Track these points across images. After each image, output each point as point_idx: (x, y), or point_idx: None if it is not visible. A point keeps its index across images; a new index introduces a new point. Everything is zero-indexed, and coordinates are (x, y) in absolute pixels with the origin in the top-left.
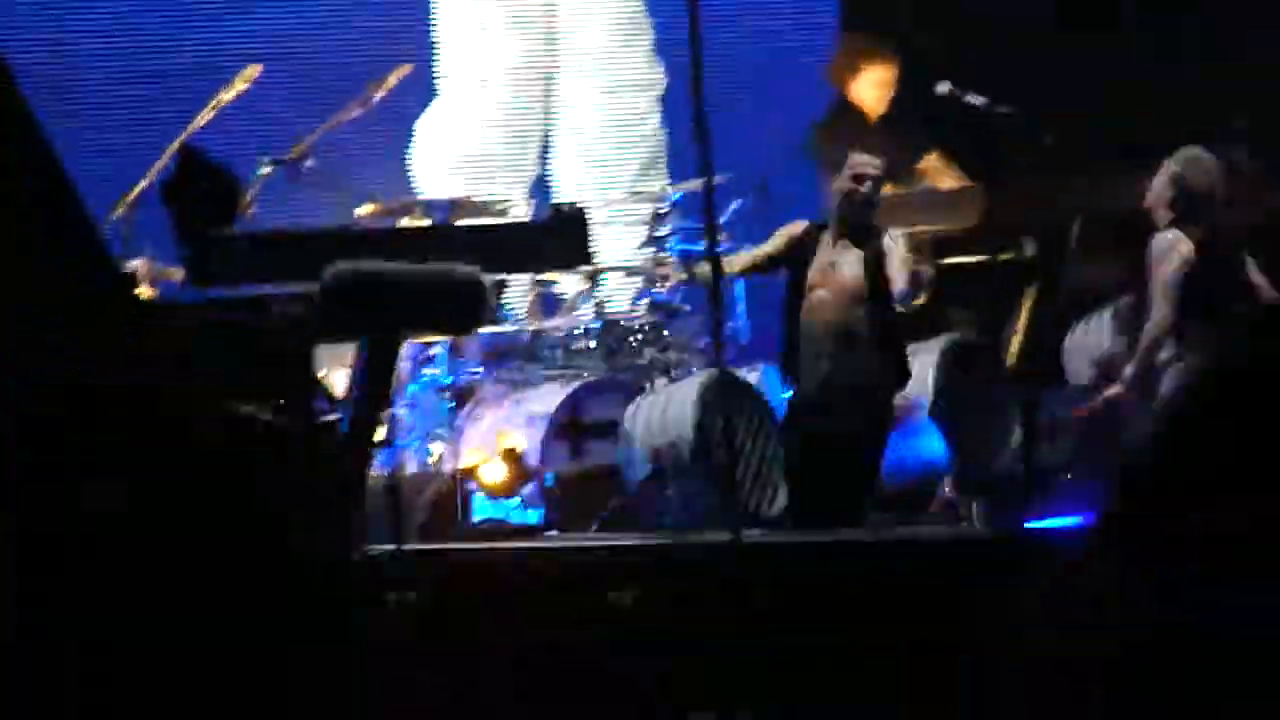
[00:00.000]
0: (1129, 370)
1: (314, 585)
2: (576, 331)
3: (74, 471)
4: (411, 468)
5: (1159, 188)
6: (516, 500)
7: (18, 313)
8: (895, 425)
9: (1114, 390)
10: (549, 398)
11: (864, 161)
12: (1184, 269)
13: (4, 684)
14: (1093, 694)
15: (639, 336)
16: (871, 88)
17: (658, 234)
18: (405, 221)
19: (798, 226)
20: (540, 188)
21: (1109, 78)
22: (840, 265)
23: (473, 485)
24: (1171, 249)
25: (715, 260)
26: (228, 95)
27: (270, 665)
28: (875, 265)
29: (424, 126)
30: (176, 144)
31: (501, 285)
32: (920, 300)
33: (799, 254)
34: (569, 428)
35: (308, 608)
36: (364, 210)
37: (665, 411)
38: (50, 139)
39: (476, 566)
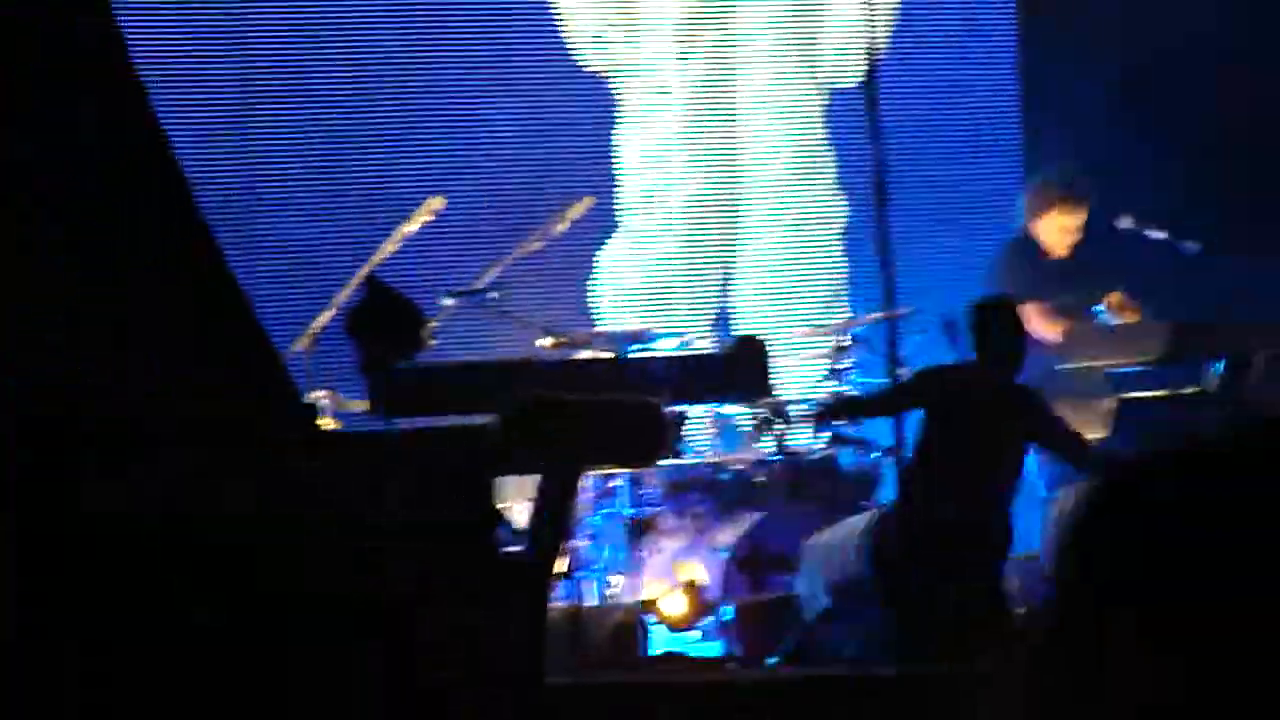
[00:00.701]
0: None
1: (497, 715)
2: (757, 465)
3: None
4: (592, 599)
5: None
6: (697, 633)
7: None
8: None
9: None
10: (729, 530)
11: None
12: None
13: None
14: None
15: (819, 469)
16: (1056, 231)
17: (839, 367)
18: (587, 354)
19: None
20: (722, 320)
21: None
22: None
23: (652, 617)
24: None
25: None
26: (411, 227)
27: None
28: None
29: (606, 259)
30: (360, 276)
31: (683, 417)
32: None
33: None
34: (749, 561)
35: None
36: (546, 342)
37: (844, 545)
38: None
39: (655, 699)
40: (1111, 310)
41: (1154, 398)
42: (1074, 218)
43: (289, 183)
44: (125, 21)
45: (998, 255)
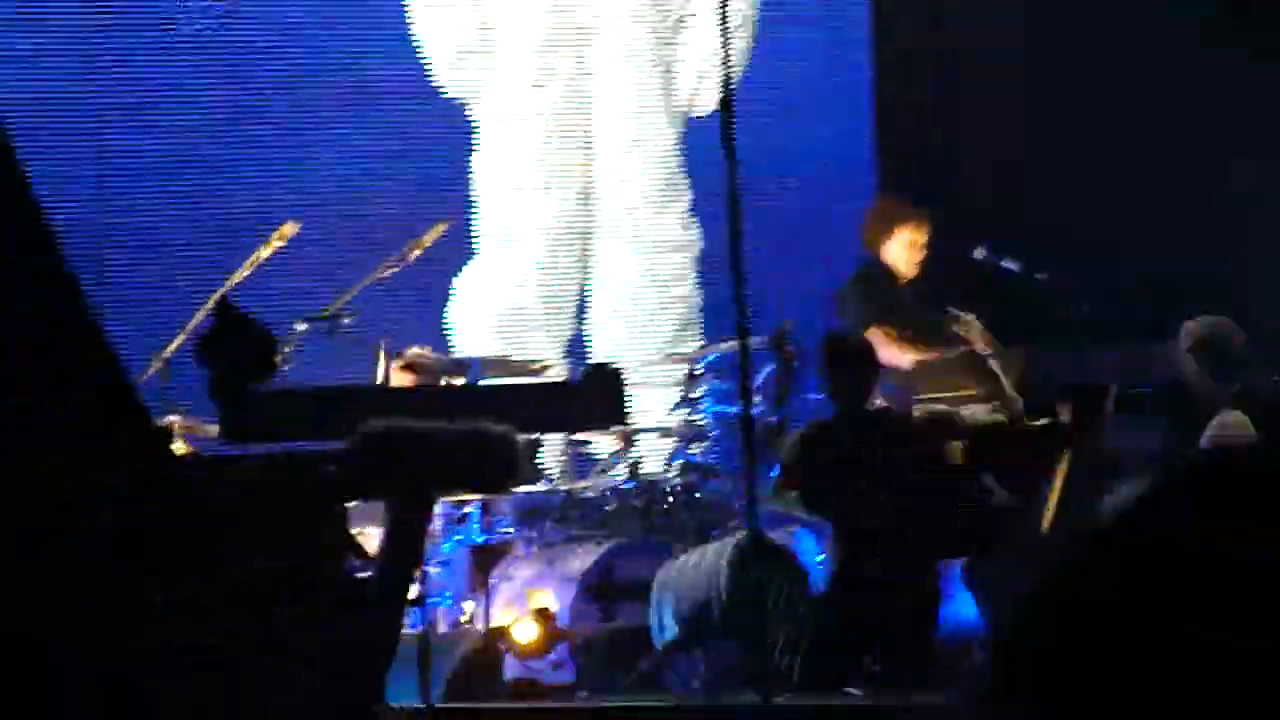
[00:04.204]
0: None
1: None
2: (610, 492)
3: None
4: (443, 626)
5: (1183, 355)
6: (548, 660)
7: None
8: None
9: None
10: (581, 558)
11: None
12: None
13: None
14: None
15: (672, 498)
16: (903, 249)
17: (692, 395)
18: (441, 380)
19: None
20: (576, 347)
21: (1146, 248)
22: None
23: (504, 645)
24: (1237, 431)
25: (749, 424)
26: (265, 252)
27: None
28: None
29: (461, 284)
30: (214, 300)
31: (536, 444)
32: None
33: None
34: (600, 589)
35: None
36: (400, 368)
37: (696, 574)
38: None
39: None
40: (962, 338)
41: (1004, 429)
42: (919, 234)
43: (143, 207)
44: None
45: (847, 281)
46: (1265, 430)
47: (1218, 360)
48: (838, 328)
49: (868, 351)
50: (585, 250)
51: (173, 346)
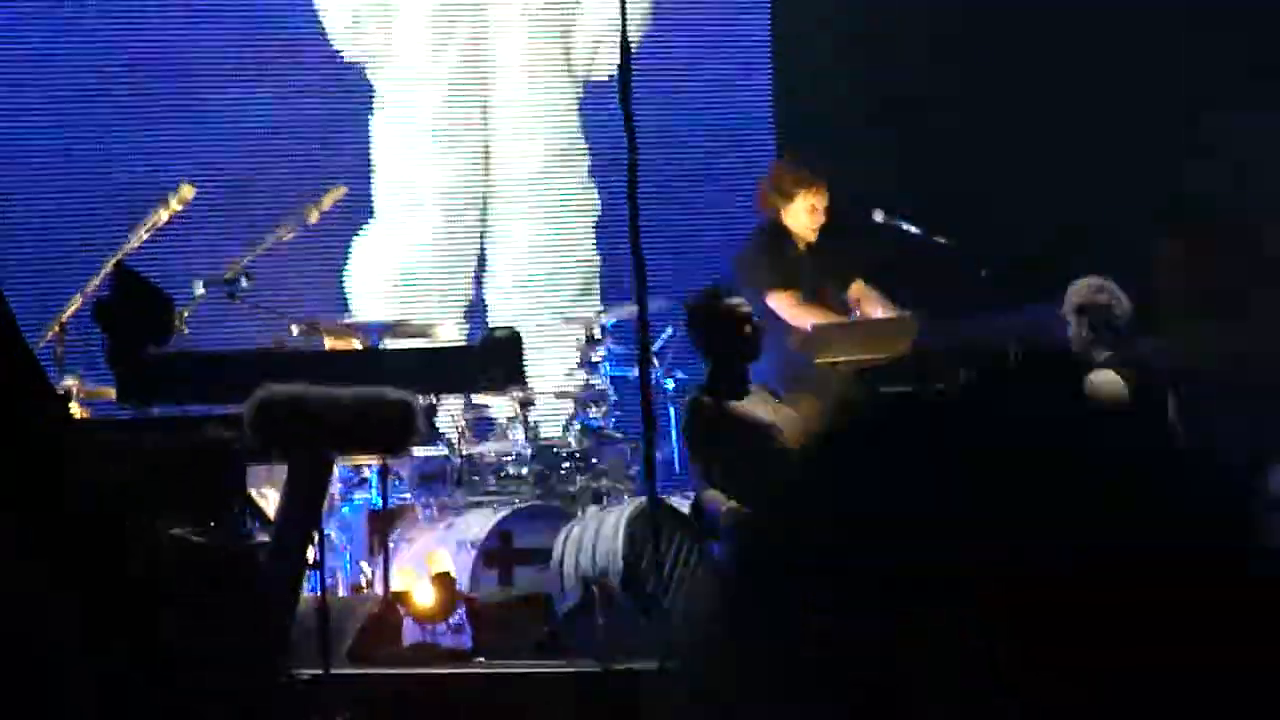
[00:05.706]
0: None
1: (242, 707)
2: (508, 456)
3: None
4: (342, 590)
5: (1066, 318)
6: (447, 624)
7: None
8: None
9: None
10: (479, 523)
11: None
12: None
13: None
14: None
15: (571, 462)
16: (803, 214)
17: (590, 359)
18: (339, 343)
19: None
20: (475, 310)
21: (1046, 215)
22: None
23: (403, 609)
24: (1105, 390)
25: (646, 386)
26: (162, 216)
27: None
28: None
29: (359, 248)
30: (110, 264)
31: (433, 408)
32: None
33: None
34: (499, 554)
35: None
36: (297, 332)
37: (595, 539)
38: None
39: (404, 691)
40: (858, 302)
41: (900, 393)
42: (819, 198)
43: (39, 171)
44: None
45: (745, 245)
46: (1134, 391)
47: (1095, 323)
48: (725, 290)
49: (741, 313)
50: (483, 214)
51: (70, 310)
